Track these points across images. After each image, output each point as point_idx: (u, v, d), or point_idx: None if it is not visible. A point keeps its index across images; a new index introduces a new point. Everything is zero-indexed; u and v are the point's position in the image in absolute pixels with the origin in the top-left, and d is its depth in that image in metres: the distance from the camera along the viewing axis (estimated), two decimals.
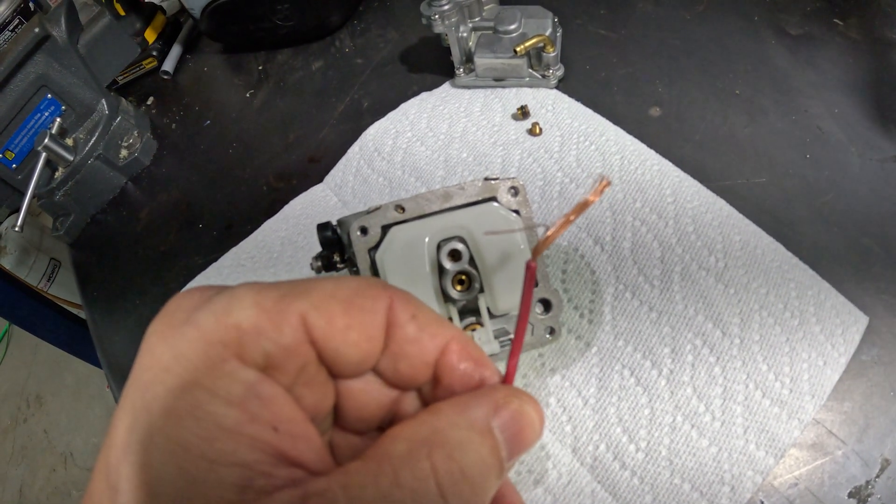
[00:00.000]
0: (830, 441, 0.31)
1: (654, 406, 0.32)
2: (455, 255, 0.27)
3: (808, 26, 0.46)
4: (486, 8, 0.47)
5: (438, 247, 0.27)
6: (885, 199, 0.37)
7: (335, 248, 0.30)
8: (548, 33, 0.43)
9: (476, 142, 0.43)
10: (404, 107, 0.47)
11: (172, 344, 0.14)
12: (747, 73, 0.45)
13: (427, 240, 0.27)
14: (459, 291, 0.27)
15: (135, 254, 0.49)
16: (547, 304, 0.29)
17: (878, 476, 0.29)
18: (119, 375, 0.43)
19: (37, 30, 0.52)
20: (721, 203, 0.38)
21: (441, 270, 0.27)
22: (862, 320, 0.33)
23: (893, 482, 0.29)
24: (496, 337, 0.29)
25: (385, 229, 0.27)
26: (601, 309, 0.35)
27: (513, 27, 0.44)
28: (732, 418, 0.32)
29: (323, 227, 0.29)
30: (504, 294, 0.27)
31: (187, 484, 0.12)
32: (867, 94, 0.42)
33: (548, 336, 0.29)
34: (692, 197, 0.38)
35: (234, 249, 0.45)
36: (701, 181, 0.39)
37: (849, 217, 0.37)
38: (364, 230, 0.27)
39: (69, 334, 1.11)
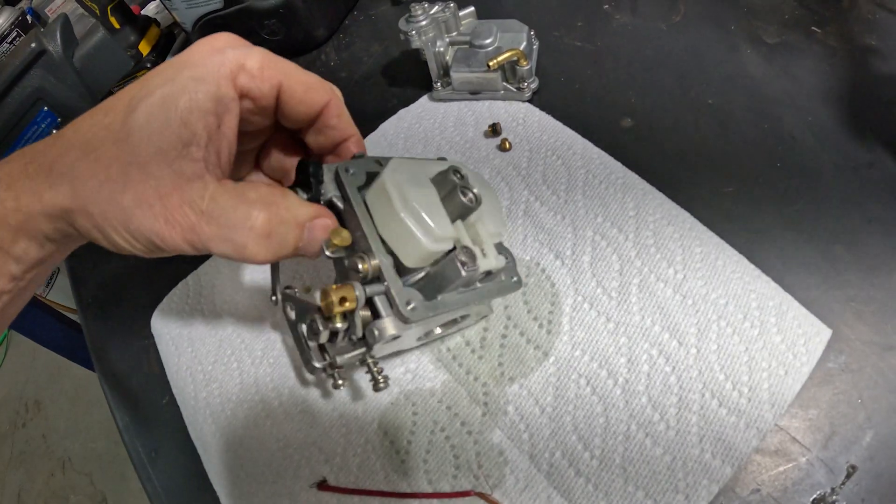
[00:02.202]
0: (794, 448, 0.30)
1: (608, 415, 0.33)
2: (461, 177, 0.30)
3: (786, 35, 0.47)
4: (463, 23, 0.48)
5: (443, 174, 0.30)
6: (857, 206, 0.37)
7: (306, 186, 0.31)
8: (522, 47, 0.44)
9: (451, 159, 0.44)
10: (383, 127, 0.49)
11: (206, 58, 0.26)
12: (721, 82, 0.45)
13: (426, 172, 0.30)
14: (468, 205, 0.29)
15: (128, 262, 0.51)
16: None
17: (843, 483, 0.29)
18: (113, 381, 0.45)
19: (33, 45, 0.54)
20: (685, 215, 0.39)
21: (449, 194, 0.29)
22: (824, 332, 0.33)
23: (860, 489, 0.29)
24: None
25: (370, 175, 0.30)
26: (559, 320, 0.36)
27: (488, 41, 0.45)
28: (687, 427, 0.32)
29: (303, 165, 0.31)
30: (493, 219, 0.32)
31: (162, 124, 0.24)
32: (843, 102, 0.42)
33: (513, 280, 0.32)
34: (655, 209, 0.39)
35: None
36: (669, 192, 0.40)
37: (819, 224, 0.37)
38: (348, 171, 0.29)
39: (68, 340, 1.12)
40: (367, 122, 0.49)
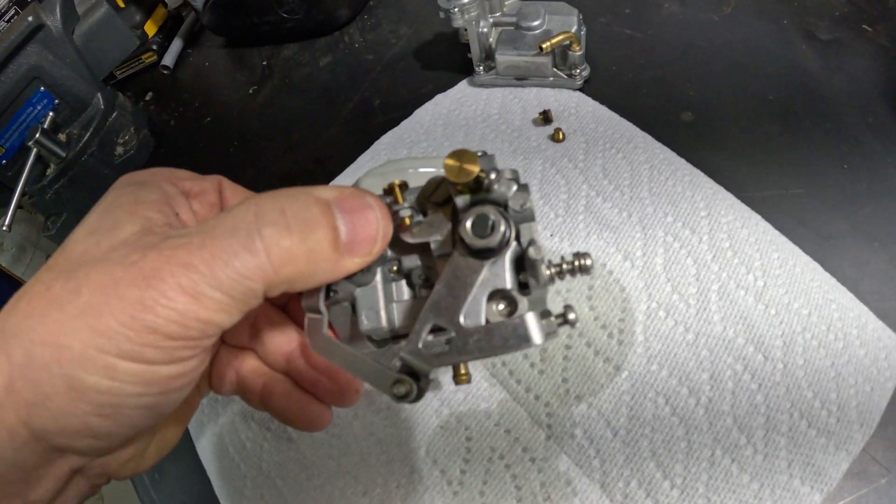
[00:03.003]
0: (874, 469, 0.29)
1: (690, 438, 0.29)
2: None
3: (838, 31, 0.45)
4: (507, 3, 0.44)
5: None
6: None
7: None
8: (573, 30, 0.41)
9: (495, 150, 0.40)
10: (419, 113, 0.44)
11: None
12: (779, 78, 0.43)
13: None
14: None
15: None
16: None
17: None
18: None
19: (30, 18, 0.49)
20: (756, 218, 0.36)
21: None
22: None
23: None
24: None
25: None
26: (632, 329, 0.32)
27: (536, 23, 0.42)
28: (776, 451, 0.29)
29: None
30: None
31: (120, 219, 0.19)
32: None
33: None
34: (726, 211, 0.36)
35: None
36: (736, 192, 0.37)
37: (891, 230, 0.35)
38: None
39: None
40: (399, 108, 0.46)
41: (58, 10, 0.50)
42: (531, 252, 0.19)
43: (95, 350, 0.16)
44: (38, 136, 0.49)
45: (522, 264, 0.19)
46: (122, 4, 0.61)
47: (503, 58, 0.42)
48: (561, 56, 0.42)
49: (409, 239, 0.21)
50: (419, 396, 0.19)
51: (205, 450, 0.34)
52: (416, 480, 0.30)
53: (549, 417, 0.31)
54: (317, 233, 0.18)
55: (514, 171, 0.20)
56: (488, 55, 0.43)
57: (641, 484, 0.29)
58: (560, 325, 0.19)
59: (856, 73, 0.42)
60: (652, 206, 0.35)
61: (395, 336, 0.22)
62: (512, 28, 0.43)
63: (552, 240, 0.36)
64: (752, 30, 0.46)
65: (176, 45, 0.62)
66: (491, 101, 0.43)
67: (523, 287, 0.20)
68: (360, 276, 0.21)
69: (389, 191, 0.21)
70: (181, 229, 0.18)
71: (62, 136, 0.52)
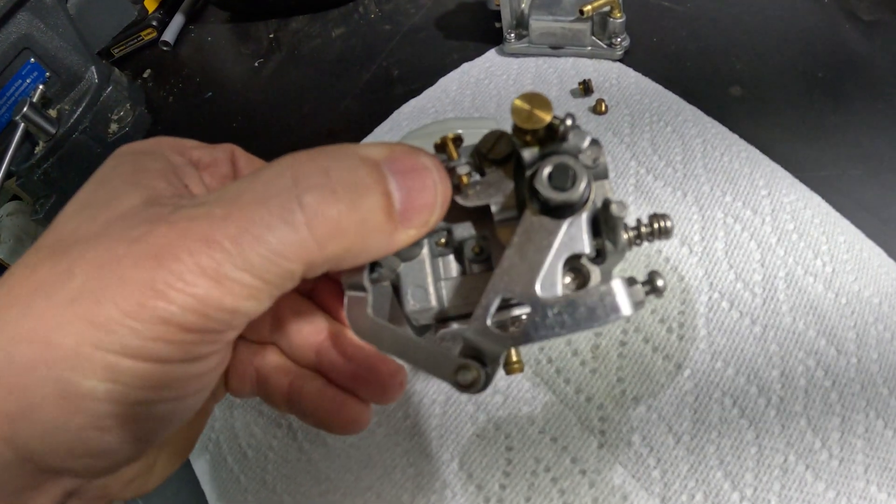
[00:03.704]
0: None
1: (761, 443, 0.26)
2: None
3: (879, 13, 0.43)
4: None
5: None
6: None
7: None
8: None
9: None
10: (443, 82, 0.41)
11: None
12: (826, 56, 0.41)
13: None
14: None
15: None
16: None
17: None
18: None
19: None
20: (818, 199, 0.33)
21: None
22: None
23: None
24: None
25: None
26: (693, 322, 0.28)
27: None
28: (852, 455, 0.27)
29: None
30: None
31: (119, 190, 0.16)
32: None
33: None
34: (788, 190, 0.33)
35: None
36: (792, 171, 0.34)
37: None
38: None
39: None
40: (421, 78, 0.42)
41: None
42: (614, 209, 0.16)
43: (92, 346, 0.13)
44: (26, 110, 0.46)
45: (598, 228, 0.17)
46: None
47: (538, 24, 0.38)
48: (600, 24, 0.39)
49: (465, 202, 0.18)
50: (487, 384, 0.16)
51: (198, 459, 0.31)
52: (448, 497, 0.27)
53: (602, 422, 0.27)
54: (369, 199, 0.14)
55: (588, 133, 0.17)
56: (520, 22, 0.40)
57: (708, 497, 0.25)
58: (648, 293, 0.17)
59: None
60: (708, 185, 0.32)
61: (442, 319, 0.19)
62: None
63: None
64: (792, 6, 0.44)
65: (177, 20, 0.58)
66: (523, 71, 0.40)
67: (597, 255, 0.17)
68: (408, 250, 0.18)
69: (442, 146, 0.18)
70: (197, 198, 0.15)
71: (52, 112, 0.49)
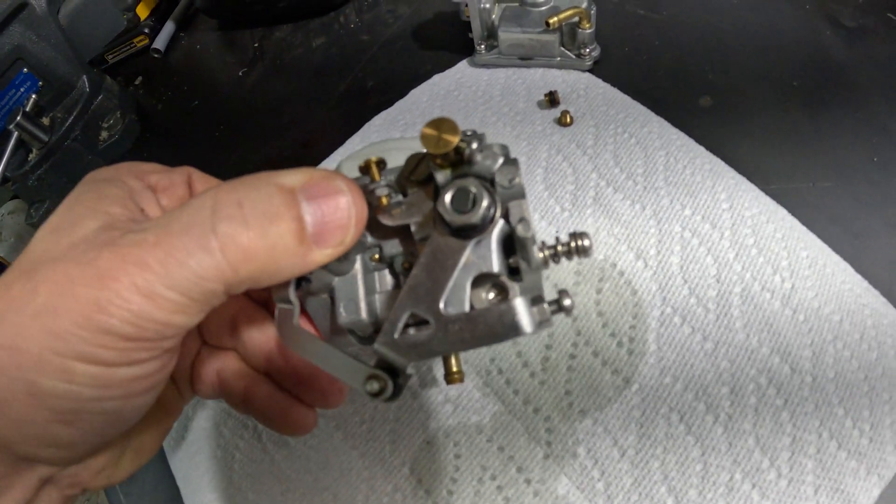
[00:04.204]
0: None
1: (707, 460, 0.26)
2: None
3: (863, 19, 0.42)
4: None
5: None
6: None
7: None
8: (583, 6, 0.37)
9: (497, 134, 0.37)
10: (414, 93, 0.41)
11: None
12: (804, 64, 0.40)
13: None
14: None
15: None
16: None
17: None
18: None
19: None
20: (783, 212, 0.32)
21: None
22: None
23: None
24: None
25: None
26: (644, 337, 0.29)
27: None
28: (802, 476, 0.27)
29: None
30: None
31: (81, 216, 0.18)
32: None
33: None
34: (751, 204, 0.32)
35: None
36: (760, 183, 0.34)
37: None
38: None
39: None
40: (394, 89, 0.43)
41: None
42: (519, 230, 0.17)
43: (52, 353, 0.15)
44: (19, 118, 0.47)
45: (513, 247, 0.17)
46: None
47: (506, 35, 0.38)
48: (569, 34, 0.39)
49: (387, 222, 0.19)
50: (395, 395, 0.17)
51: (174, 456, 0.32)
52: (398, 501, 0.27)
53: (548, 433, 0.27)
54: (279, 226, 0.16)
55: (503, 146, 0.18)
56: (490, 33, 0.40)
57: None
58: (554, 312, 0.17)
59: (884, 62, 0.39)
60: (668, 198, 0.32)
61: (378, 330, 0.20)
62: (516, 4, 0.39)
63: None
64: (773, 12, 0.43)
65: (168, 28, 0.60)
66: (493, 82, 0.40)
67: (514, 273, 0.17)
68: (338, 266, 0.19)
69: (366, 169, 0.19)
70: (143, 223, 0.17)
71: (45, 120, 0.50)
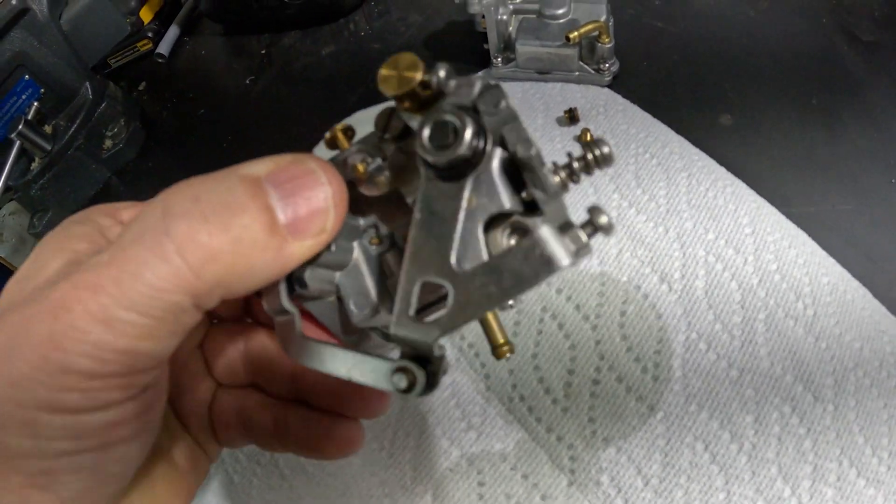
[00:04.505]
0: None
1: (730, 489, 0.26)
2: None
3: (879, 33, 0.42)
4: None
5: None
6: None
7: None
8: (603, 19, 0.37)
9: None
10: None
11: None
12: (822, 79, 0.40)
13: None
14: None
15: None
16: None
17: None
18: None
19: (14, 1, 0.46)
20: (804, 237, 0.32)
21: None
22: None
23: None
24: None
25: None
26: (669, 363, 0.28)
27: (561, 11, 0.38)
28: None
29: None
30: None
31: (47, 259, 0.16)
32: None
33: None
34: (773, 228, 0.32)
35: None
36: (780, 206, 0.34)
37: None
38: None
39: None
40: None
41: None
42: (520, 150, 0.14)
43: (13, 405, 0.13)
44: (21, 127, 0.46)
45: (522, 179, 0.14)
46: None
47: (524, 48, 0.38)
48: (588, 48, 0.38)
49: (372, 192, 0.16)
50: (430, 386, 0.14)
51: None
52: None
53: (572, 462, 0.27)
54: (242, 217, 0.14)
55: (479, 76, 0.15)
56: (507, 46, 0.39)
57: None
58: (590, 234, 0.13)
59: None
60: (691, 221, 0.32)
61: None
62: (534, 16, 0.39)
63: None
64: (790, 27, 0.43)
65: (172, 32, 0.58)
66: (510, 97, 0.39)
67: (532, 208, 0.14)
68: (333, 258, 0.17)
69: (332, 141, 0.16)
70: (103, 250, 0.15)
71: (48, 128, 0.49)
